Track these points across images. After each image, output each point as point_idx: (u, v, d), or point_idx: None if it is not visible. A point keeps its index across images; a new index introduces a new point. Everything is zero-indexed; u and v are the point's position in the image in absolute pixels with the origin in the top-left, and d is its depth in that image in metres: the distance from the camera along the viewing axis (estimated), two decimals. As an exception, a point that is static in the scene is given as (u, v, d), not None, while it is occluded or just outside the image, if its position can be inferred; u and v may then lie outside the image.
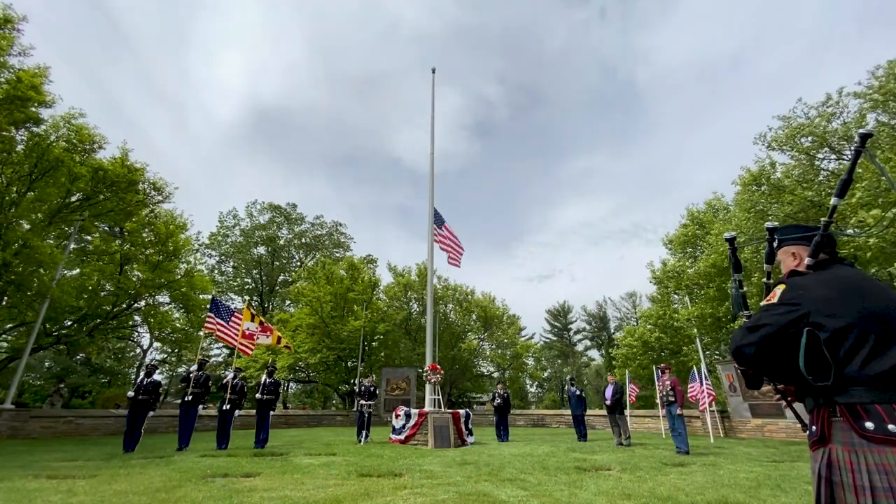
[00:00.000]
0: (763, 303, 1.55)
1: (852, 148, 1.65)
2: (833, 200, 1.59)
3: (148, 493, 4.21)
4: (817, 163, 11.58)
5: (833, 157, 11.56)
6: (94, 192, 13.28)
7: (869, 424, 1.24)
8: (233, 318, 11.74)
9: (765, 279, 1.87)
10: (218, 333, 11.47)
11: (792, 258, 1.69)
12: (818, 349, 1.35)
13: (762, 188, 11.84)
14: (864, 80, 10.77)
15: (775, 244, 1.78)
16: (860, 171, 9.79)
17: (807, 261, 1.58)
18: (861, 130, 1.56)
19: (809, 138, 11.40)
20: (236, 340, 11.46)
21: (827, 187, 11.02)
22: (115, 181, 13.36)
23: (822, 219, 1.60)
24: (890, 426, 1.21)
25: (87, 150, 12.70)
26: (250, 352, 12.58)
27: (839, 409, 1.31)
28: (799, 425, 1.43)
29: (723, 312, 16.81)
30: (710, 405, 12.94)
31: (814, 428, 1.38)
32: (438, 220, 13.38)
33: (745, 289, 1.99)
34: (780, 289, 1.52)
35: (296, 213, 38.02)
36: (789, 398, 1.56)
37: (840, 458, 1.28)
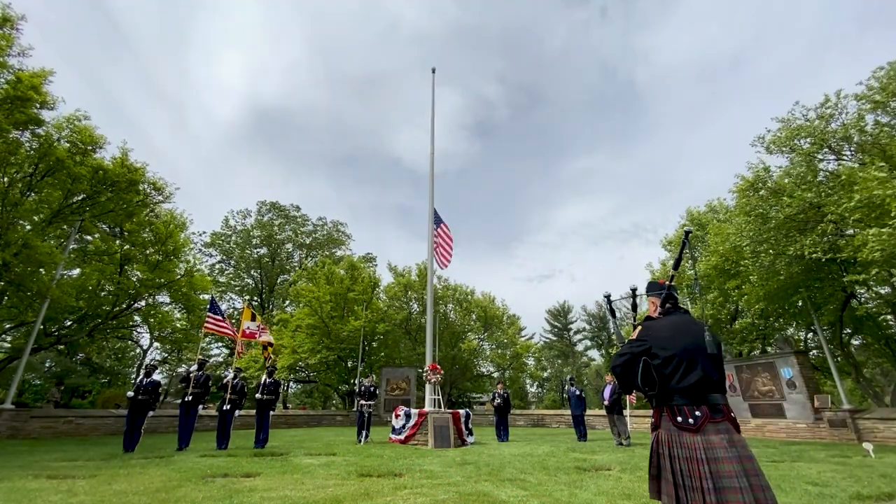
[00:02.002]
0: (630, 337, 2.34)
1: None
2: (671, 272, 2.46)
3: (148, 493, 4.21)
4: (816, 163, 11.56)
5: (832, 157, 11.54)
6: (95, 192, 13.27)
7: (679, 419, 2.02)
8: (227, 319, 11.82)
9: (633, 321, 2.84)
10: (219, 330, 11.49)
11: (651, 305, 2.52)
12: (650, 371, 2.14)
13: (760, 192, 11.78)
14: (865, 81, 10.74)
15: (645, 295, 2.63)
16: (859, 174, 9.79)
17: (658, 310, 2.42)
18: (686, 228, 2.44)
19: (809, 140, 11.37)
20: (236, 335, 11.49)
21: (826, 188, 11.00)
22: (115, 181, 13.35)
23: (667, 282, 2.44)
24: (689, 420, 1.99)
25: (87, 150, 12.69)
26: (243, 351, 12.57)
27: (665, 409, 2.10)
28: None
29: (724, 314, 16.80)
30: None
31: (653, 419, 2.22)
32: (437, 221, 13.35)
33: (619, 326, 3.13)
34: (638, 329, 2.34)
35: (297, 213, 38.01)
36: (646, 399, 2.29)
37: (663, 438, 2.07)
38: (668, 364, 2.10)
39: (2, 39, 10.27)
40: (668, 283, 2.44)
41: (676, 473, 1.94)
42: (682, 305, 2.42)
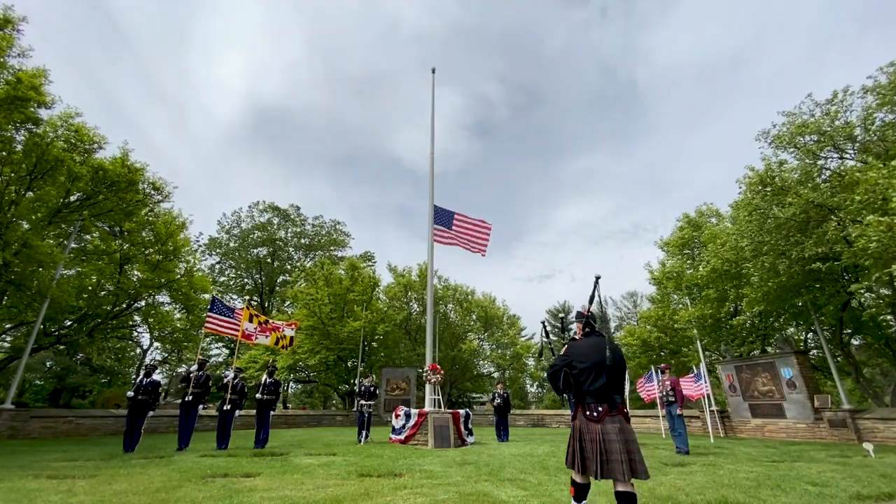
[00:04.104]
0: (560, 353, 3.23)
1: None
2: (586, 306, 3.25)
3: (148, 493, 4.21)
4: (821, 161, 11.48)
5: (836, 155, 11.48)
6: (94, 191, 13.26)
7: (588, 412, 2.90)
8: (234, 316, 11.76)
9: (564, 339, 4.52)
10: (220, 330, 11.46)
11: (579, 329, 3.32)
12: (569, 378, 3.03)
13: (768, 189, 11.65)
14: (872, 78, 10.65)
15: (573, 320, 3.63)
16: (858, 174, 9.78)
17: (579, 333, 3.28)
18: (596, 274, 3.26)
19: (814, 136, 11.27)
20: (238, 332, 11.43)
21: (829, 187, 10.97)
22: (115, 181, 13.34)
23: (586, 312, 3.27)
24: (594, 413, 2.86)
25: (87, 150, 12.67)
26: (258, 340, 12.32)
27: (580, 406, 2.98)
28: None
29: (723, 313, 16.79)
30: (707, 402, 13.00)
31: (571, 412, 3.10)
32: (445, 219, 12.99)
33: (551, 345, 4.46)
34: (566, 347, 3.22)
35: (296, 213, 37.94)
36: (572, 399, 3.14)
37: (577, 426, 2.97)
38: (583, 374, 2.96)
39: (2, 40, 10.26)
40: (587, 313, 3.27)
41: (585, 450, 2.84)
42: (597, 329, 3.27)
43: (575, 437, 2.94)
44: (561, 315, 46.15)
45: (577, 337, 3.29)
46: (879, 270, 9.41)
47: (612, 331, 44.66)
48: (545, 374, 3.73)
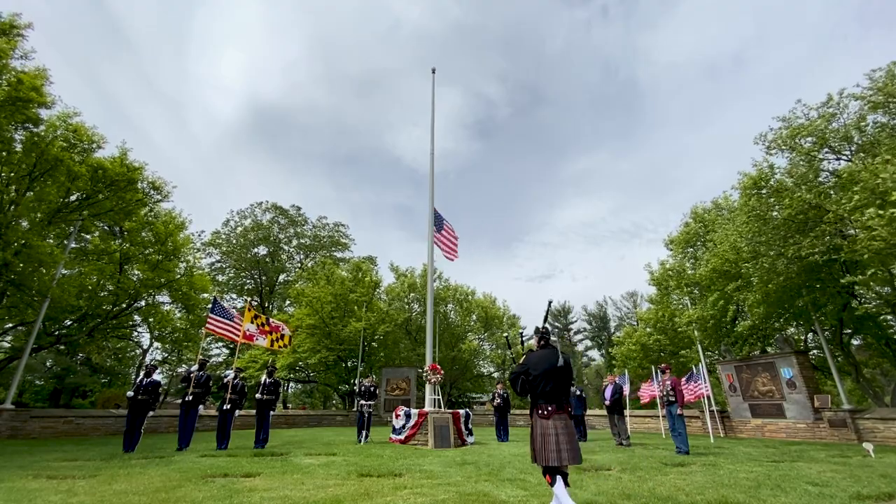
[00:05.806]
0: (519, 361, 3.89)
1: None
2: (539, 325, 4.01)
3: (148, 493, 4.21)
4: (817, 163, 11.50)
5: (832, 157, 11.50)
6: (94, 191, 13.26)
7: (539, 411, 3.56)
8: (235, 318, 11.75)
9: (524, 350, 4.16)
10: (220, 331, 11.44)
11: (535, 341, 3.93)
12: (526, 384, 3.70)
13: (763, 191, 11.68)
14: (863, 82, 10.70)
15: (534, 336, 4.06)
16: (863, 165, 9.78)
17: (536, 345, 3.89)
18: (549, 298, 4.26)
19: (810, 139, 11.31)
20: (238, 336, 11.43)
21: (827, 188, 10.97)
22: (114, 180, 13.34)
23: (540, 328, 3.94)
24: (544, 412, 3.53)
25: (86, 149, 12.66)
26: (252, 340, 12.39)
27: (535, 407, 3.62)
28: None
29: (723, 315, 16.78)
30: (707, 402, 13.00)
31: (529, 412, 3.71)
32: (438, 221, 13.34)
33: (514, 355, 4.96)
34: (524, 357, 3.86)
35: (298, 214, 37.89)
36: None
37: (533, 423, 3.61)
38: (536, 380, 3.62)
39: (6, 44, 10.27)
40: (542, 329, 3.91)
41: (538, 443, 3.44)
42: (551, 342, 3.87)
43: (536, 437, 3.50)
44: (561, 316, 46.22)
45: (534, 348, 3.91)
46: (877, 267, 9.39)
47: (612, 331, 45.27)
48: (509, 380, 4.39)
